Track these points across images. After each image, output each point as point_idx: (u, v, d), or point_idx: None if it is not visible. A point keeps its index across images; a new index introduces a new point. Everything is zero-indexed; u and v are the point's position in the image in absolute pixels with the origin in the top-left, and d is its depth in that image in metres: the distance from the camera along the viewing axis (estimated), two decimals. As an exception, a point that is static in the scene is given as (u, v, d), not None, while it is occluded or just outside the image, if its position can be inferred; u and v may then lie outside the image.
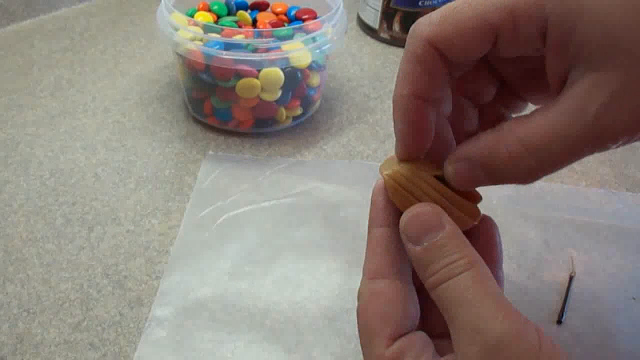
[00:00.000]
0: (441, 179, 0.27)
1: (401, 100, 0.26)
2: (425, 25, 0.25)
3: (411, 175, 0.27)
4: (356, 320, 0.28)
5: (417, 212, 0.26)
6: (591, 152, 0.23)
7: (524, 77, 0.29)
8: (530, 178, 0.24)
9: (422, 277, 0.25)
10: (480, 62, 0.27)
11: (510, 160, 0.24)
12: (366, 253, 0.28)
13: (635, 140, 0.23)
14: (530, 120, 0.24)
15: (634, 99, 0.21)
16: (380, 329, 0.26)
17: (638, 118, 0.22)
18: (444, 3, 0.62)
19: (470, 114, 0.30)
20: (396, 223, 0.27)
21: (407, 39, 0.26)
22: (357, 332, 0.27)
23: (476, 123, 0.30)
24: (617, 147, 0.23)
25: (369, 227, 0.29)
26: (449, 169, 0.26)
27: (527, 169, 0.24)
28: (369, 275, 0.28)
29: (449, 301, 0.24)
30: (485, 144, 0.25)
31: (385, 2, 0.64)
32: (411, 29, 0.26)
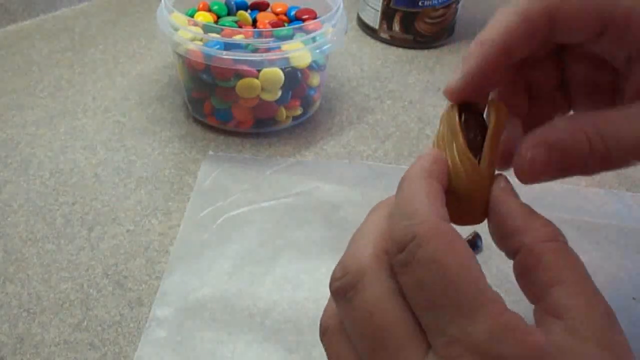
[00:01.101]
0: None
1: (487, 42, 0.25)
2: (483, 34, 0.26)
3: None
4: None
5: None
6: None
7: (594, 84, 0.29)
8: (599, 169, 0.25)
9: (527, 231, 0.23)
10: (558, 58, 0.27)
11: (585, 149, 0.24)
12: (413, 195, 0.23)
13: None
14: (608, 113, 0.24)
15: None
16: (487, 293, 0.20)
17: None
18: (443, 3, 0.62)
19: (522, 100, 0.30)
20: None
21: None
22: None
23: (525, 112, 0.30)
24: None
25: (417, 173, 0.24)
26: (527, 154, 0.25)
27: (599, 159, 0.24)
28: (436, 214, 0.22)
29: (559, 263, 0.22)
30: (563, 131, 0.24)
31: (385, 2, 0.64)
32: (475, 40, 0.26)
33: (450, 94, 0.26)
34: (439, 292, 0.20)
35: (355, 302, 0.22)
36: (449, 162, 0.25)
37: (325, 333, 0.24)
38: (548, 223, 0.23)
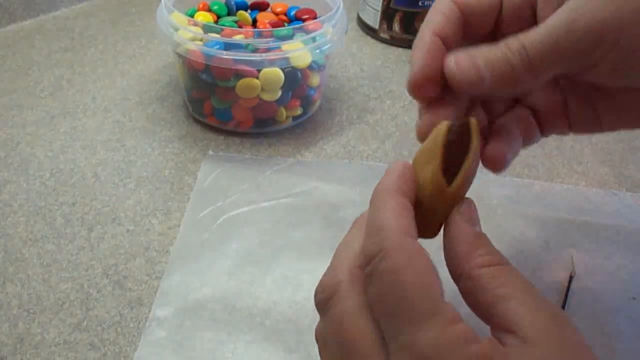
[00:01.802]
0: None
1: (424, 36, 0.29)
2: None
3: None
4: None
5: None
6: (572, 54, 0.26)
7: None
8: (525, 78, 0.27)
9: (468, 258, 0.24)
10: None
11: (507, 54, 0.26)
12: (381, 212, 0.24)
13: (611, 78, 0.27)
14: (526, 30, 0.27)
15: (597, 8, 0.25)
16: (439, 305, 0.22)
17: (598, 23, 0.25)
18: (444, 3, 0.62)
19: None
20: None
21: (435, 2, 0.31)
22: None
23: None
24: (591, 60, 0.26)
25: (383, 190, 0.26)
26: (450, 60, 0.27)
27: (520, 61, 0.26)
28: (400, 231, 0.23)
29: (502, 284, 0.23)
30: (488, 46, 0.27)
31: (385, 2, 0.64)
32: None
33: (411, 88, 0.29)
34: (394, 302, 0.22)
35: (329, 314, 0.24)
36: (421, 177, 0.26)
37: (317, 342, 0.26)
38: (492, 251, 0.24)
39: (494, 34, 0.31)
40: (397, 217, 0.24)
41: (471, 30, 0.30)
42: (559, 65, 0.27)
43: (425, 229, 0.26)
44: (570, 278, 0.40)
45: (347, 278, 0.24)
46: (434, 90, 0.29)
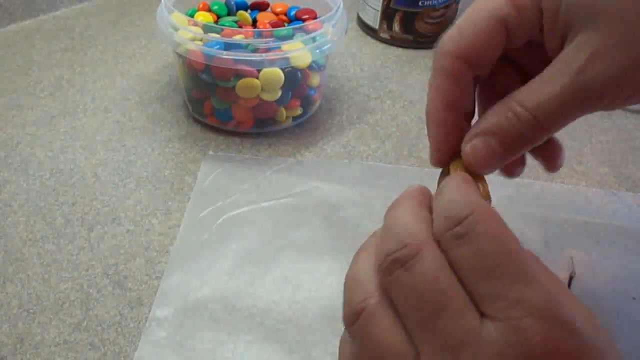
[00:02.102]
0: None
1: (435, 112, 0.29)
2: (448, 41, 0.28)
3: None
4: None
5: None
6: (582, 111, 0.26)
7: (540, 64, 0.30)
8: (539, 138, 0.27)
9: None
10: (502, 61, 0.29)
11: (516, 123, 0.26)
12: (455, 185, 0.25)
13: (625, 104, 0.26)
14: (528, 85, 0.26)
15: (611, 57, 0.24)
16: (541, 269, 0.23)
17: (616, 75, 0.24)
18: (443, 3, 0.62)
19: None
20: None
21: (434, 58, 0.29)
22: None
23: None
24: (608, 108, 0.26)
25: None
26: (466, 148, 0.28)
27: (531, 128, 0.26)
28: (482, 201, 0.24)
29: None
30: (493, 115, 0.27)
31: (385, 2, 0.64)
32: (436, 49, 0.29)
33: (434, 163, 0.30)
34: (498, 261, 0.22)
35: (415, 270, 0.23)
36: None
37: (361, 314, 0.24)
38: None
39: (508, 54, 0.30)
40: (478, 193, 0.25)
41: (480, 67, 0.29)
42: (573, 119, 0.27)
43: None
44: (570, 278, 0.40)
45: (429, 238, 0.24)
46: (454, 155, 0.29)
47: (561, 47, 0.26)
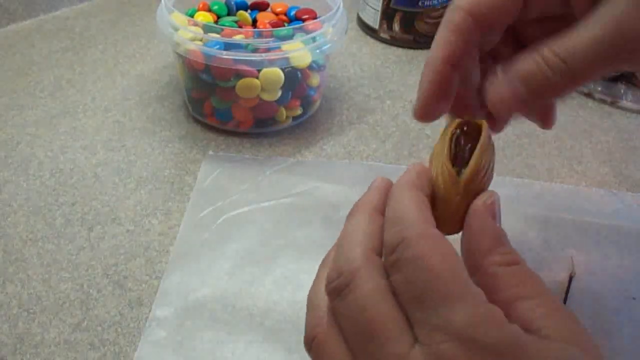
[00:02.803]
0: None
1: (434, 62, 0.28)
2: None
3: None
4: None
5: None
6: (615, 62, 0.25)
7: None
8: (566, 87, 0.26)
9: (488, 254, 0.24)
10: (507, 34, 0.29)
11: (546, 69, 0.26)
12: (401, 204, 0.25)
13: None
14: (560, 34, 0.26)
15: (636, 19, 0.24)
16: (469, 285, 0.22)
17: None
18: (443, 3, 0.62)
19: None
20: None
21: (447, 11, 0.29)
22: None
23: None
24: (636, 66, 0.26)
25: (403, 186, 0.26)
26: (491, 94, 0.27)
27: (561, 76, 0.25)
28: (421, 220, 0.24)
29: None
30: (522, 60, 0.26)
31: (385, 2, 0.64)
32: (450, 3, 0.29)
33: (416, 116, 0.29)
34: (423, 286, 0.22)
35: (349, 298, 0.23)
36: (434, 172, 0.27)
37: (313, 341, 0.25)
38: (512, 251, 0.25)
39: (516, 27, 0.30)
40: (417, 208, 0.24)
41: (491, 28, 0.29)
42: (603, 73, 0.26)
43: (444, 224, 0.26)
44: (570, 278, 0.40)
45: (365, 263, 0.24)
46: (437, 115, 0.29)
47: (589, 8, 0.26)
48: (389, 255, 0.23)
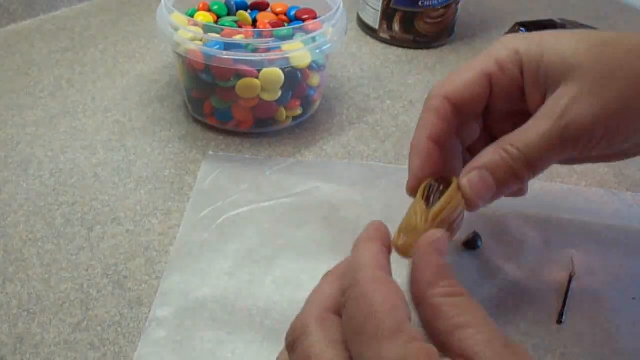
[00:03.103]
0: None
1: (419, 142, 0.34)
2: (439, 85, 0.34)
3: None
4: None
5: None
6: (564, 150, 0.30)
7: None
8: (525, 175, 0.31)
9: (431, 286, 0.26)
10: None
11: (508, 160, 0.31)
12: (358, 254, 0.27)
13: (597, 151, 0.31)
14: (518, 130, 0.31)
15: (585, 103, 0.29)
16: (403, 323, 0.23)
17: (590, 118, 0.29)
18: (443, 3, 0.62)
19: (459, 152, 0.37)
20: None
21: (426, 99, 0.34)
22: None
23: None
24: (584, 153, 0.31)
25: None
26: (464, 182, 0.32)
27: (520, 165, 0.31)
28: (373, 265, 0.26)
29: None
30: (488, 153, 0.32)
31: (385, 2, 0.64)
32: (429, 92, 0.35)
33: (409, 191, 0.34)
34: (361, 320, 0.23)
35: (298, 351, 0.25)
36: (411, 211, 0.32)
37: None
38: (455, 283, 0.26)
39: (486, 112, 0.35)
40: (371, 257, 0.27)
41: (464, 115, 0.34)
42: (556, 159, 0.31)
43: (405, 251, 0.30)
44: (570, 278, 0.40)
45: (315, 319, 0.26)
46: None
47: (542, 101, 0.31)
48: (342, 298, 0.25)
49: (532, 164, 0.31)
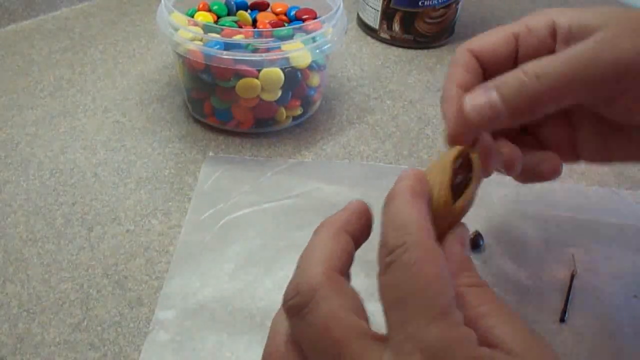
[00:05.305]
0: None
1: (449, 91, 0.32)
2: (466, 43, 0.34)
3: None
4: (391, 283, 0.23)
5: None
6: (579, 90, 0.29)
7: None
8: (537, 103, 0.29)
9: (455, 276, 0.25)
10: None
11: (521, 81, 0.29)
12: (404, 210, 0.25)
13: (612, 104, 0.30)
14: (539, 59, 0.29)
15: (619, 44, 0.28)
16: (452, 304, 0.22)
17: (626, 57, 0.28)
18: (443, 3, 0.62)
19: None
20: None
21: (453, 57, 0.34)
22: None
23: None
24: (609, 93, 0.29)
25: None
26: (466, 100, 0.29)
27: (532, 89, 0.28)
28: (423, 229, 0.24)
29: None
30: (500, 75, 0.30)
31: (385, 2, 0.64)
32: (456, 49, 0.34)
33: (449, 141, 0.31)
34: (409, 292, 0.22)
35: (309, 319, 0.23)
36: (431, 190, 0.28)
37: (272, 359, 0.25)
38: (477, 275, 0.26)
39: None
40: (421, 218, 0.24)
41: (491, 74, 0.32)
42: (577, 95, 0.29)
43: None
44: (572, 276, 0.40)
45: (325, 282, 0.24)
46: (470, 138, 0.31)
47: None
48: (384, 256, 0.23)
49: (544, 92, 0.28)
